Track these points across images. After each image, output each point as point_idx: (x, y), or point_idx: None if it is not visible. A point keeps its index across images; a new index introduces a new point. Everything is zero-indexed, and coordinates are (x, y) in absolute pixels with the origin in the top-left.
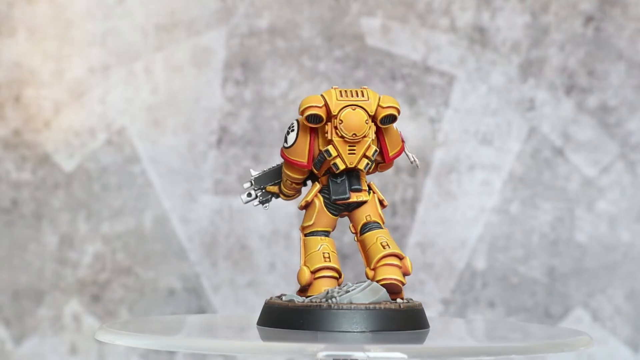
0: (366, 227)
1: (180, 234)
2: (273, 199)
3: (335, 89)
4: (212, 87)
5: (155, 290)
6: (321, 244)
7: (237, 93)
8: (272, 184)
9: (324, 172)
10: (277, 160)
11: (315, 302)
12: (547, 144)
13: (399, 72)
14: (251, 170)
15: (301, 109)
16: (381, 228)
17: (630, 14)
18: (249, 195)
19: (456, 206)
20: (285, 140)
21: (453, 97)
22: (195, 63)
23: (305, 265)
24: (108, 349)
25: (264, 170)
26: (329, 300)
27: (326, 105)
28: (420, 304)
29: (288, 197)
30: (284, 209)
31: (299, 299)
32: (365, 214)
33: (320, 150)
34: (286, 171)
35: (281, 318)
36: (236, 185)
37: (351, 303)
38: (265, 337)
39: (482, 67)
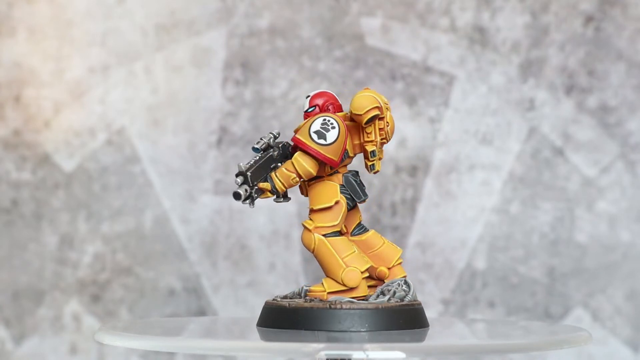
0: (361, 227)
1: (180, 234)
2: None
3: (368, 89)
4: (212, 87)
5: (155, 290)
6: (353, 245)
7: (237, 93)
8: (261, 180)
9: (333, 171)
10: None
11: (397, 302)
12: (547, 144)
13: (399, 72)
14: (242, 165)
15: (366, 109)
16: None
17: (630, 14)
18: (246, 191)
19: (456, 206)
20: (324, 138)
21: (453, 97)
22: (195, 63)
23: (352, 266)
24: (108, 349)
25: (251, 163)
26: (404, 300)
27: (380, 106)
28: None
29: (273, 194)
30: (284, 209)
31: (352, 300)
32: (358, 214)
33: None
34: (307, 167)
35: (281, 318)
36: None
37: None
38: (265, 337)
39: (482, 67)
